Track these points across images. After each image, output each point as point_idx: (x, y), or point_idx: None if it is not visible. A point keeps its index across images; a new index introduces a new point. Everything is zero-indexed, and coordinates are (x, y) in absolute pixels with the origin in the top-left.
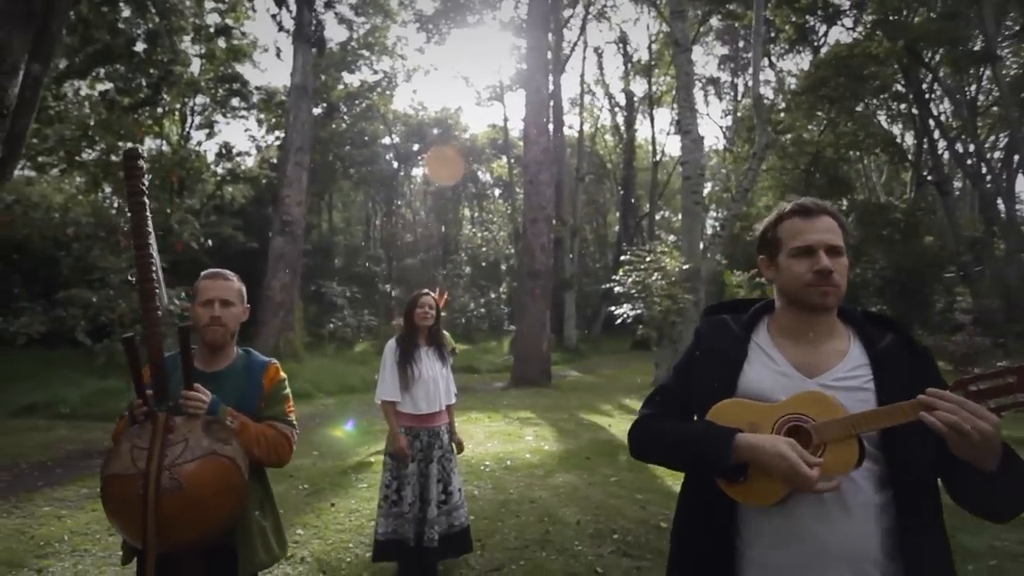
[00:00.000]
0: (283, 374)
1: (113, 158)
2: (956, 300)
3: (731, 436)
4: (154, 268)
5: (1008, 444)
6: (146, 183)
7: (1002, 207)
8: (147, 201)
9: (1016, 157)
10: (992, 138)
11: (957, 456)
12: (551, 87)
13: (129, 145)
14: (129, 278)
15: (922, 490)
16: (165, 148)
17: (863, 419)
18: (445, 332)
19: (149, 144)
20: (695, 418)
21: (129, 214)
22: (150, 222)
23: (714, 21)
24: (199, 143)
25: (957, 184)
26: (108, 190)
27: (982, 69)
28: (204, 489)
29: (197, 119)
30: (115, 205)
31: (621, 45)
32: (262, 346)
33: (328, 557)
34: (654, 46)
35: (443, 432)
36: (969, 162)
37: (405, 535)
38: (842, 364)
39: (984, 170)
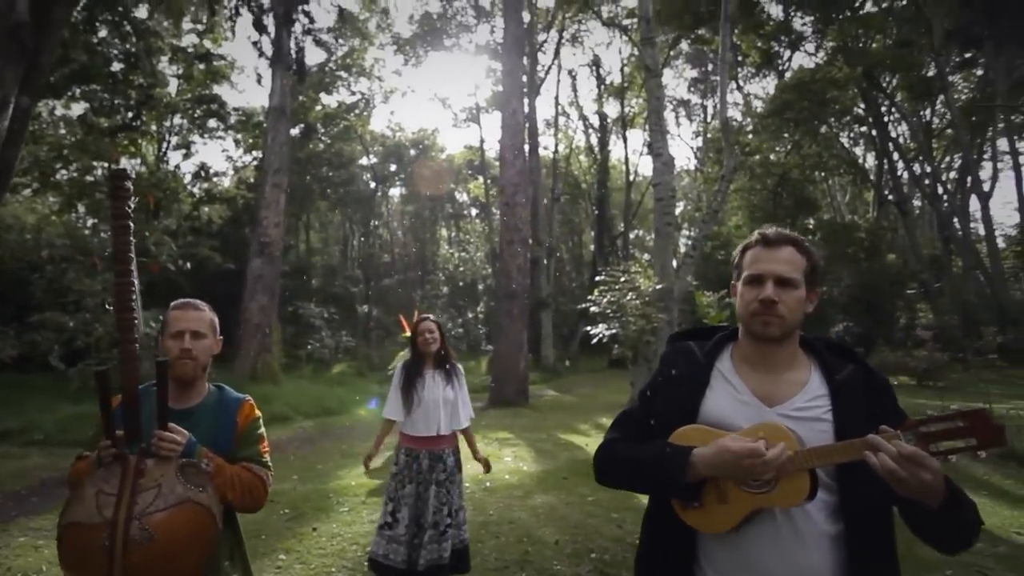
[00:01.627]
0: (258, 412)
1: (88, 179)
2: (918, 316)
3: (687, 453)
4: (134, 297)
5: (953, 482)
6: (132, 205)
7: (958, 226)
8: (132, 224)
9: (969, 178)
10: (947, 159)
11: (900, 495)
12: (526, 109)
13: (115, 166)
14: (106, 305)
15: (875, 521)
16: (141, 169)
17: (815, 454)
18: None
19: (125, 164)
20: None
21: (112, 237)
22: (133, 247)
23: (684, 45)
24: (176, 165)
25: (916, 204)
26: (82, 210)
27: (935, 94)
28: (176, 540)
29: (174, 140)
30: (88, 226)
31: (594, 68)
32: (240, 369)
33: None
34: (626, 69)
35: (447, 455)
36: (926, 182)
37: (396, 560)
38: (801, 394)
39: (940, 190)
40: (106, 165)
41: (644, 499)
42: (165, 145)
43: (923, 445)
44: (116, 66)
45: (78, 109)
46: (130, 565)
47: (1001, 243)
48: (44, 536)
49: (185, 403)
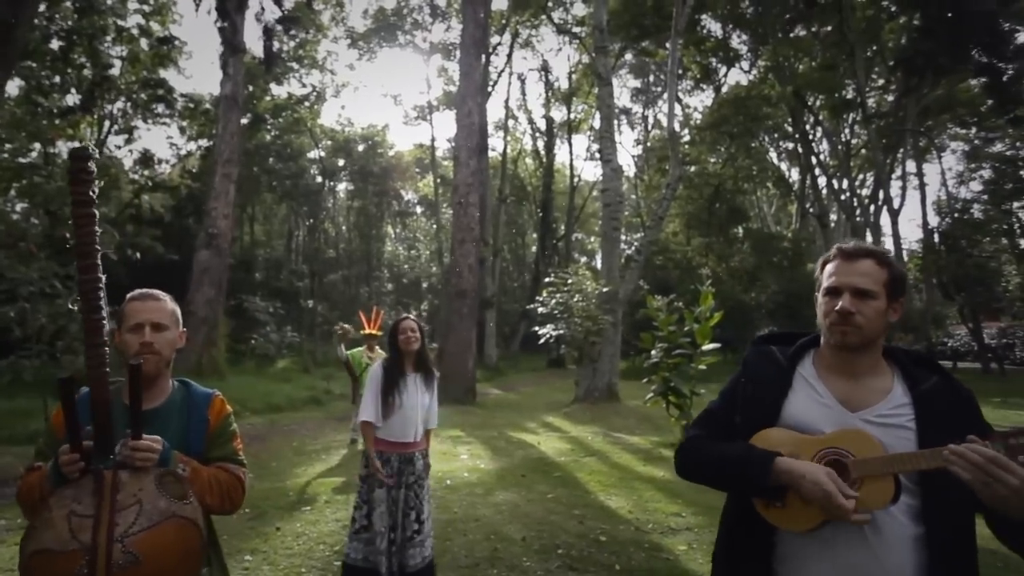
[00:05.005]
0: (229, 407)
1: (21, 160)
2: None
3: (771, 458)
4: (102, 296)
5: None
6: (96, 190)
7: (870, 238)
8: (96, 212)
9: (881, 193)
10: (861, 176)
11: (985, 503)
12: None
13: (76, 144)
14: (46, 290)
15: (956, 525)
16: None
17: (900, 460)
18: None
19: (61, 147)
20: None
21: (74, 227)
22: (98, 237)
23: (628, 56)
24: (117, 147)
25: (833, 217)
26: (12, 194)
27: (855, 115)
28: (164, 559)
29: (116, 124)
30: (17, 210)
31: (543, 73)
32: (184, 363)
33: None
34: (574, 75)
35: (417, 458)
36: (843, 197)
37: (376, 563)
38: (885, 402)
39: (855, 204)
40: (40, 147)
41: (602, 496)
42: (106, 129)
43: (1012, 456)
44: (55, 44)
45: (19, 89)
46: None
47: (905, 256)
48: None
49: (149, 403)
